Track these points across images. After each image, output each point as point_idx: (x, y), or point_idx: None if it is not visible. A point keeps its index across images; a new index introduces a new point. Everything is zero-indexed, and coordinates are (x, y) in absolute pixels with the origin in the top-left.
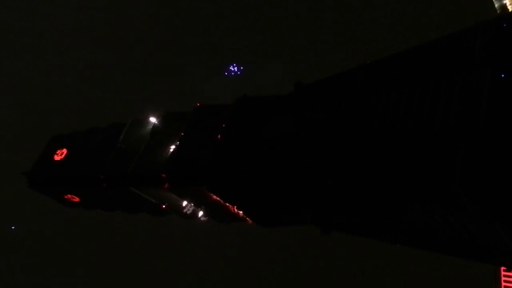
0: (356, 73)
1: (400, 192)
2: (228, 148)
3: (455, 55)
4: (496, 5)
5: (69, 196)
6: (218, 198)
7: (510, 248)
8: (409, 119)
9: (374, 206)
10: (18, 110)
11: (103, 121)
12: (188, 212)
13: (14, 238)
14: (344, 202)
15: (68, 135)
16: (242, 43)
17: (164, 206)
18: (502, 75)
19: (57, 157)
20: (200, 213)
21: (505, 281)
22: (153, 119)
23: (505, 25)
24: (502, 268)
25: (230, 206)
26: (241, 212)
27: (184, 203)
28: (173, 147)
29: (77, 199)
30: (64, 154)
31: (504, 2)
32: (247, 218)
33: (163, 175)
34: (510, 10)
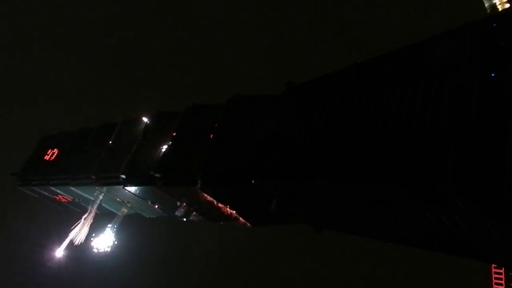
0: (348, 72)
1: (392, 190)
2: (220, 147)
3: (446, 54)
4: (486, 5)
5: (60, 196)
6: (210, 198)
7: (500, 245)
8: (400, 117)
9: (366, 205)
10: (5, 109)
11: (94, 121)
12: (181, 212)
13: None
14: (336, 201)
15: (59, 135)
16: (235, 42)
17: (156, 206)
18: (493, 74)
19: (48, 157)
20: (193, 213)
21: (495, 277)
22: (145, 119)
23: (495, 24)
24: (493, 265)
25: (223, 206)
26: (233, 211)
27: (177, 203)
28: (165, 146)
29: (68, 199)
30: (55, 154)
31: (494, 1)
32: (240, 218)
33: (156, 175)
34: (500, 10)
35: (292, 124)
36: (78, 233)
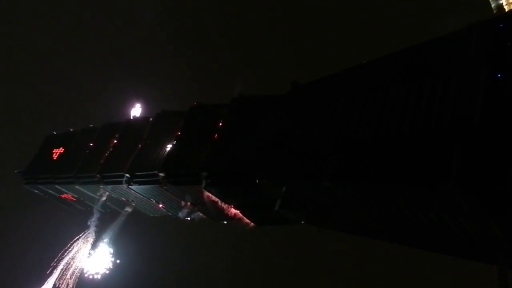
0: (353, 73)
1: (396, 191)
2: (224, 147)
3: (452, 54)
4: (493, 5)
5: (65, 195)
6: (214, 197)
7: (504, 247)
8: (405, 118)
9: (369, 205)
10: (10, 109)
11: (98, 120)
12: (185, 211)
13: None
14: (340, 201)
15: (63, 134)
16: (240, 42)
17: (161, 205)
18: (499, 75)
19: (52, 156)
20: (197, 212)
21: (500, 279)
22: (149, 118)
23: (501, 25)
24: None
25: (227, 205)
26: (237, 211)
27: (181, 202)
28: (170, 146)
29: (73, 198)
30: (60, 153)
31: (501, 2)
32: (244, 217)
33: (160, 174)
34: (506, 10)
35: (296, 124)
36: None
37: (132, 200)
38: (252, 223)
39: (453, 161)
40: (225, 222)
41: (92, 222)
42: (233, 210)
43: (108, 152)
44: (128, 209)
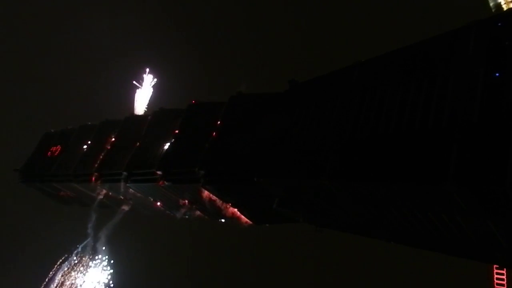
0: (351, 71)
1: (394, 189)
2: (222, 145)
3: (450, 53)
4: (491, 4)
5: (63, 192)
6: (212, 196)
7: (502, 246)
8: (403, 117)
9: (367, 204)
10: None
11: (96, 118)
12: (183, 210)
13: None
14: (338, 200)
15: (61, 132)
16: (238, 40)
17: (158, 203)
18: (497, 74)
19: (50, 154)
20: (195, 211)
21: (497, 278)
22: (147, 116)
23: (499, 24)
24: (495, 266)
25: (225, 204)
26: (235, 209)
27: (179, 200)
28: (167, 144)
29: (71, 196)
30: (57, 150)
31: (499, 1)
32: (242, 216)
33: (158, 172)
34: (505, 9)
35: (294, 123)
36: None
37: (130, 199)
38: (250, 222)
39: (451, 160)
40: (223, 221)
41: (89, 231)
42: (231, 209)
43: (106, 150)
44: (126, 208)
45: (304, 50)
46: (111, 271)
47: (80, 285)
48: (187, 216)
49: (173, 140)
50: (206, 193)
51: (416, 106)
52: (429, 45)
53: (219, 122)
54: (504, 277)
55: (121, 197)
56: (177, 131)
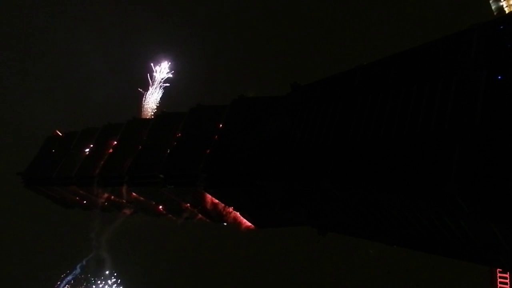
0: (353, 75)
1: (396, 192)
2: (224, 148)
3: (452, 56)
4: (493, 7)
5: (65, 196)
6: (214, 199)
7: (505, 248)
8: (405, 120)
9: (369, 207)
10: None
11: (99, 121)
12: (185, 213)
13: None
14: (340, 203)
15: (64, 135)
16: (241, 43)
17: (161, 207)
18: (499, 77)
19: (53, 157)
20: (197, 214)
21: (501, 282)
22: (150, 119)
23: (502, 27)
24: (498, 269)
25: (227, 207)
26: (237, 213)
27: (181, 203)
28: (170, 147)
29: (74, 199)
30: (60, 154)
31: (501, 4)
32: (244, 219)
33: (160, 176)
34: (507, 12)
35: (296, 126)
36: None
37: (132, 202)
38: (252, 225)
39: (454, 162)
40: (225, 224)
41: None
42: (233, 212)
43: (108, 153)
44: (128, 212)
45: (306, 54)
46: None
47: None
48: (189, 220)
49: (176, 143)
50: (208, 196)
51: (419, 108)
52: (432, 48)
53: (221, 126)
54: (508, 280)
55: (123, 200)
56: (179, 135)
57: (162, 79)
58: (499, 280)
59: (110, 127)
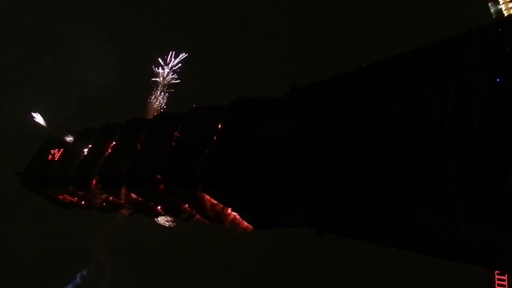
0: (352, 76)
1: (395, 194)
2: (223, 149)
3: (451, 59)
4: (492, 10)
5: (64, 196)
6: (213, 200)
7: (503, 251)
8: (404, 121)
9: (368, 209)
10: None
11: (97, 122)
12: (183, 214)
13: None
14: (339, 204)
15: (62, 135)
16: (239, 44)
17: (159, 208)
18: (498, 80)
19: (51, 157)
20: (195, 215)
21: (498, 284)
22: (148, 120)
23: (500, 30)
24: (496, 271)
25: (226, 208)
26: (236, 214)
27: (180, 204)
28: (168, 147)
29: (72, 199)
30: (58, 154)
31: (500, 7)
32: (242, 220)
33: (158, 176)
34: (505, 15)
35: (295, 127)
36: None
37: (130, 202)
38: (251, 226)
39: (453, 164)
40: (224, 225)
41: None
42: (232, 213)
43: (107, 153)
44: (126, 212)
45: (305, 55)
46: None
47: None
48: (187, 221)
49: (174, 144)
50: (206, 197)
51: (418, 111)
52: (431, 51)
53: (220, 126)
54: (506, 283)
55: (121, 201)
56: (178, 135)
57: (166, 83)
58: (497, 282)
59: (109, 127)
